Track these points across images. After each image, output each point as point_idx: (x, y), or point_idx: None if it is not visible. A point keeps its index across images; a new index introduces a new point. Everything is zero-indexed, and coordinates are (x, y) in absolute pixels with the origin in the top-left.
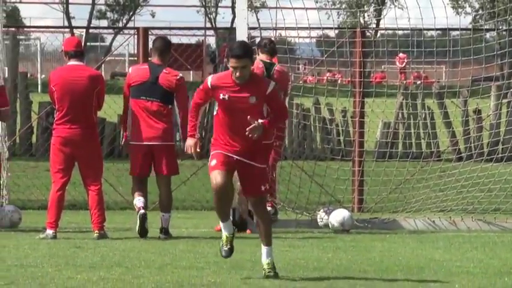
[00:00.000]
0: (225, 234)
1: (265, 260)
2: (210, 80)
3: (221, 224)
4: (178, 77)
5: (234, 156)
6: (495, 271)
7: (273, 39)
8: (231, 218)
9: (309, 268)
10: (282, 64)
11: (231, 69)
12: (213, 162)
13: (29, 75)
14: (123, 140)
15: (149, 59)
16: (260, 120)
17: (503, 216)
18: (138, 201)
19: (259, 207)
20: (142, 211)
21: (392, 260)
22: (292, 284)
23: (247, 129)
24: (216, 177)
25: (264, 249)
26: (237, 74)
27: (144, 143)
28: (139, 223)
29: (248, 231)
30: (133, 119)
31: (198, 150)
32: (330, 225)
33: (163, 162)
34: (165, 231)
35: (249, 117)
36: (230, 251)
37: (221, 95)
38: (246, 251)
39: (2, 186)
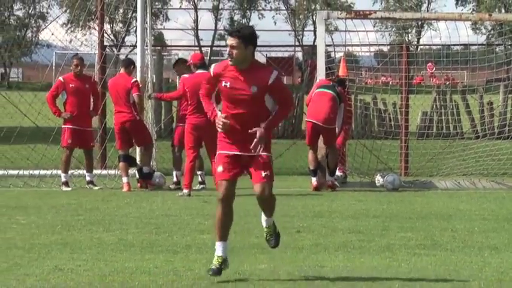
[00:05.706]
0: (219, 256)
1: (264, 224)
2: (212, 69)
3: (218, 245)
4: None
5: (239, 153)
6: (503, 217)
7: None
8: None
9: (369, 216)
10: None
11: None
12: (220, 168)
13: (170, 80)
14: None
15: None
16: (262, 127)
17: (510, 178)
18: None
19: (263, 193)
20: None
21: (429, 210)
22: (357, 227)
23: (251, 147)
24: (221, 186)
25: (263, 217)
26: (228, 51)
27: None
28: None
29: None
30: None
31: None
32: (384, 185)
33: None
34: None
35: (250, 131)
36: (219, 270)
37: (223, 82)
38: (324, 204)
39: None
